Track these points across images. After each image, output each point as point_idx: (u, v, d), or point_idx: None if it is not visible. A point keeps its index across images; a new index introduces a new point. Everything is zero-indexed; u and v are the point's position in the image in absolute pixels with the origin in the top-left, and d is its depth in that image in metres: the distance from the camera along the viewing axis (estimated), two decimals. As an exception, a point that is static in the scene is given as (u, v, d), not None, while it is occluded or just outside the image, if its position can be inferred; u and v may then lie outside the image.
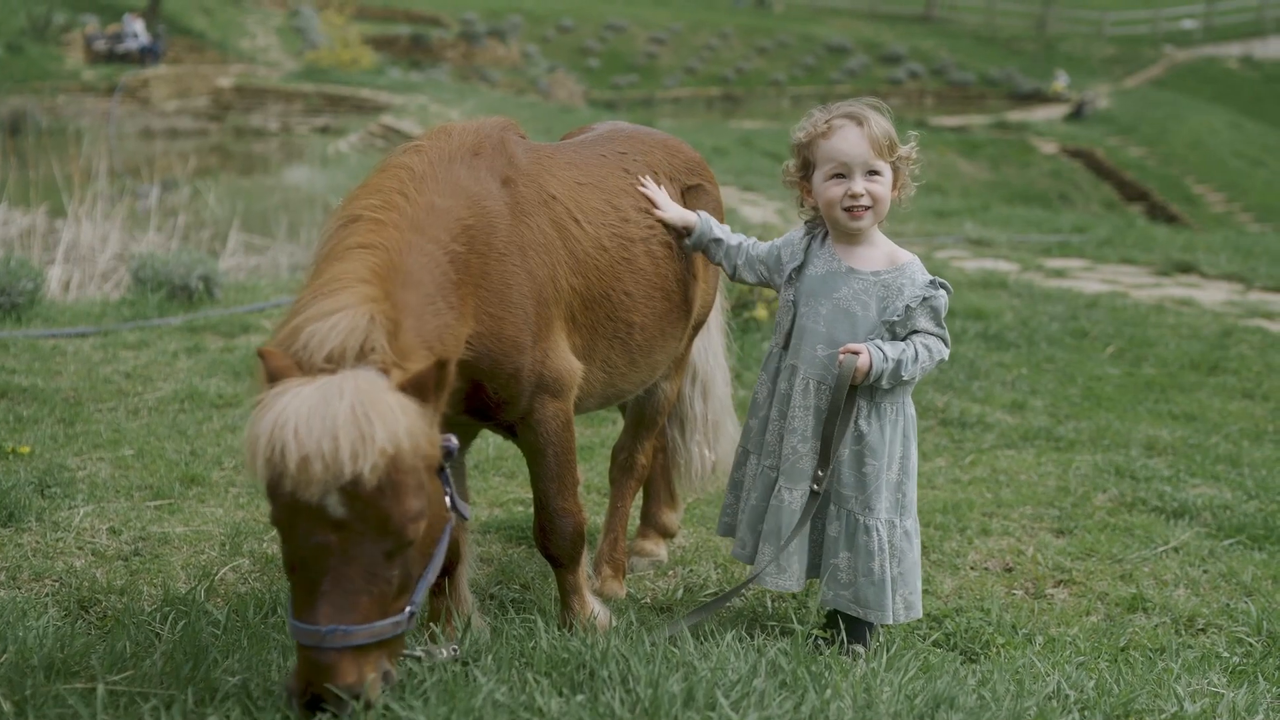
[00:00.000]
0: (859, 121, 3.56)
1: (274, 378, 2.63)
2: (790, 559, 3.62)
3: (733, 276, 3.89)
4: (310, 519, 2.58)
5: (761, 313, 7.60)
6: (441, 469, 2.86)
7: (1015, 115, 39.06)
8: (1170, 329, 8.92)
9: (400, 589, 2.73)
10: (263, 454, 2.53)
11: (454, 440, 2.87)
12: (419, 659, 2.96)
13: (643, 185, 3.89)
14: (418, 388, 2.65)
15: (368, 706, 2.65)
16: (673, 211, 3.89)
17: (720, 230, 3.91)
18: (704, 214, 3.94)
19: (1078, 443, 6.19)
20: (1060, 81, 44.72)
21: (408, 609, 2.76)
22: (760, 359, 7.42)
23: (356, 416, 2.47)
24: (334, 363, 2.63)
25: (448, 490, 2.90)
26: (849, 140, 3.55)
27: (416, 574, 2.78)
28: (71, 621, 3.59)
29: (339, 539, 2.59)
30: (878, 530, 3.58)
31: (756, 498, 3.72)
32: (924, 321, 3.55)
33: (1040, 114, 39.88)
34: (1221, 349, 8.34)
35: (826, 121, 3.60)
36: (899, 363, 3.48)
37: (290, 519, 2.60)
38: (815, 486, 3.56)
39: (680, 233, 3.91)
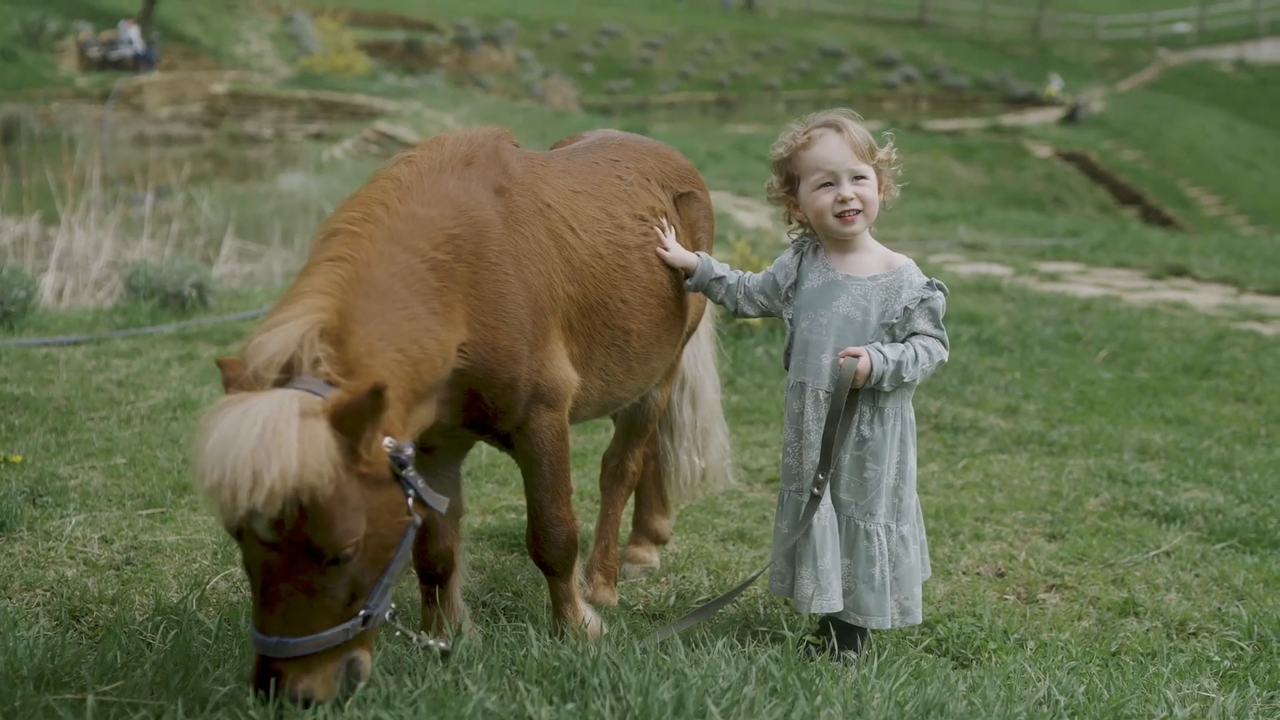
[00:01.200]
0: (837, 128, 3.58)
1: (228, 386, 2.76)
2: (829, 577, 3.55)
3: (736, 313, 3.88)
4: (248, 538, 2.70)
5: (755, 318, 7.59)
6: (398, 476, 2.85)
7: (1009, 119, 39.16)
8: (1163, 333, 8.93)
9: (351, 596, 2.79)
10: (195, 477, 2.64)
11: (407, 450, 2.86)
12: (411, 641, 3.09)
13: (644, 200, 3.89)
14: (353, 414, 2.68)
15: (307, 704, 2.72)
16: (675, 253, 3.89)
17: (721, 268, 3.91)
18: (704, 255, 3.95)
19: (1070, 447, 6.20)
20: (1054, 85, 44.82)
21: (362, 613, 2.81)
22: (753, 364, 7.45)
23: (255, 453, 2.53)
24: (269, 370, 2.73)
25: (410, 491, 2.88)
26: (830, 148, 3.56)
27: (369, 581, 2.83)
28: (62, 631, 3.59)
29: (276, 557, 2.70)
30: (878, 536, 3.58)
31: (786, 525, 3.68)
32: (922, 323, 3.56)
33: (1034, 118, 39.95)
34: (1214, 353, 8.36)
35: (805, 133, 3.61)
36: (899, 364, 3.49)
37: (236, 536, 2.73)
38: (816, 490, 3.55)
39: (682, 274, 3.92)
